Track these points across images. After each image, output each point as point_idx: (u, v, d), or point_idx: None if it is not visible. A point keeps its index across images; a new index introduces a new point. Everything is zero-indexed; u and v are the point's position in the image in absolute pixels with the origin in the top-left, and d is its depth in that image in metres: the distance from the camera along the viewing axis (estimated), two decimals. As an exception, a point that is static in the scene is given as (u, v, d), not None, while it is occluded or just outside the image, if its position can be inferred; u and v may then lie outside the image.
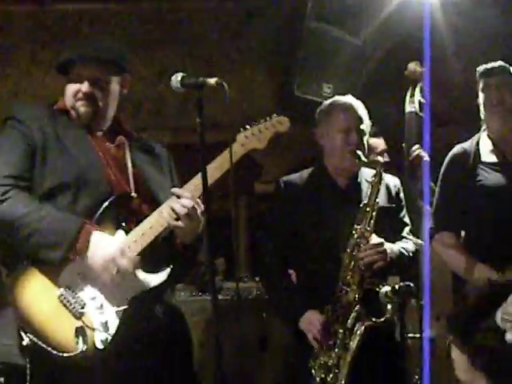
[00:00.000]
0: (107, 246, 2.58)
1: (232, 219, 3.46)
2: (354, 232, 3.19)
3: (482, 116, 3.43)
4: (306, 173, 3.47)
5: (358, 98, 3.47)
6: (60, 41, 5.14)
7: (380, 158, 3.32)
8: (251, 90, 5.15)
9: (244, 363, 3.91)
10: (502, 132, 3.39)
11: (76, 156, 2.71)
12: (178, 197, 2.62)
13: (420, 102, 3.95)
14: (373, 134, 3.93)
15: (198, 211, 2.59)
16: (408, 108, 3.99)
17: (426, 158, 3.82)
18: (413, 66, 3.96)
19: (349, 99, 3.43)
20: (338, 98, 3.48)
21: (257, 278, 4.17)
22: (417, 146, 3.90)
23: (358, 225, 3.19)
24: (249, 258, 4.92)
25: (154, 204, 2.73)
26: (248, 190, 4.90)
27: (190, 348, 2.90)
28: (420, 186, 3.78)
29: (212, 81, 2.47)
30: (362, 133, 3.34)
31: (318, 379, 3.19)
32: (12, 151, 2.69)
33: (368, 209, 3.20)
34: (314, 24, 4.91)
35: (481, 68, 3.40)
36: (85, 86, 2.78)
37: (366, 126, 3.39)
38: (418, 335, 3.40)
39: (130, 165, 2.83)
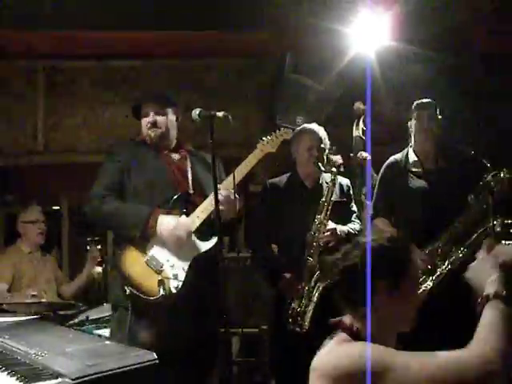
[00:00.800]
0: (170, 222, 2.75)
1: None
2: (315, 220, 3.22)
3: (412, 136, 3.41)
4: (284, 177, 3.51)
5: (320, 126, 3.50)
6: (116, 86, 5.12)
7: (334, 169, 3.32)
8: (247, 120, 5.14)
9: (242, 310, 3.90)
10: (425, 149, 3.40)
11: (150, 169, 2.91)
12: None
13: (363, 129, 3.97)
14: (334, 152, 3.95)
15: (232, 198, 2.74)
16: (355, 133, 4.00)
17: (369, 157, 3.83)
18: (358, 104, 3.98)
19: (313, 126, 3.48)
20: (305, 125, 3.55)
21: (250, 251, 4.14)
22: (362, 152, 3.89)
23: (319, 215, 3.23)
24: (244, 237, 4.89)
25: (204, 197, 2.84)
26: (244, 189, 4.89)
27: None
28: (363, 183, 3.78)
29: (220, 114, 2.53)
30: (321, 149, 3.40)
31: (290, 320, 3.23)
32: (109, 173, 2.93)
33: (325, 204, 3.25)
34: (290, 75, 4.89)
35: (417, 102, 3.40)
36: (150, 117, 2.94)
37: (325, 144, 3.43)
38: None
39: (189, 171, 2.95)
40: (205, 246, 2.79)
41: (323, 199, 3.26)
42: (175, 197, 2.83)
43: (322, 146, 3.42)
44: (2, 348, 2.16)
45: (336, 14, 4.13)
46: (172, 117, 3.04)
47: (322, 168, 3.33)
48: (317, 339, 3.36)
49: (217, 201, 2.47)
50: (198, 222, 2.79)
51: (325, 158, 3.43)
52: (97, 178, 2.94)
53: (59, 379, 1.73)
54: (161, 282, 2.66)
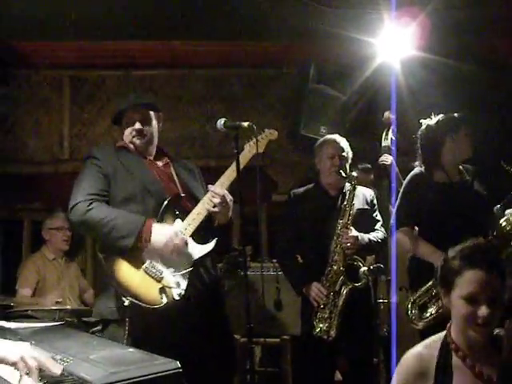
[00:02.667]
0: (165, 231, 2.61)
1: (258, 220, 3.50)
2: (338, 225, 3.23)
3: (447, 151, 3.34)
4: (309, 187, 3.55)
5: (343, 136, 3.50)
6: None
7: (354, 174, 3.31)
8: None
9: (264, 319, 3.88)
10: (454, 164, 3.35)
11: (138, 175, 2.74)
12: (213, 191, 2.68)
13: (392, 139, 3.91)
14: (365, 170, 3.93)
15: (227, 199, 2.66)
16: (383, 143, 3.95)
17: (391, 162, 3.79)
18: (387, 114, 3.91)
19: (335, 136, 3.50)
20: (327, 136, 3.58)
21: (273, 260, 4.13)
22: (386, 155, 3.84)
23: (341, 220, 3.24)
24: (268, 247, 4.88)
25: (195, 201, 2.76)
26: (267, 199, 4.87)
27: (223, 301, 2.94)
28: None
29: (245, 124, 2.52)
30: (343, 158, 3.41)
31: (317, 329, 3.20)
32: (92, 178, 2.72)
33: (347, 208, 3.26)
34: (314, 85, 4.91)
35: (445, 117, 3.34)
36: (137, 125, 2.83)
37: (347, 154, 3.43)
38: (386, 300, 3.38)
39: (175, 176, 2.86)
40: (203, 249, 2.70)
41: (345, 203, 3.28)
42: (167, 201, 2.69)
43: (344, 154, 3.44)
44: (27, 353, 2.17)
45: (361, 24, 4.13)
46: (155, 124, 2.93)
47: (344, 175, 3.33)
48: (340, 350, 3.39)
49: (243, 209, 2.48)
50: (193, 227, 2.68)
51: (347, 167, 3.44)
52: (78, 183, 2.74)
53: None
54: (162, 290, 2.55)
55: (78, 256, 5.02)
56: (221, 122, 2.60)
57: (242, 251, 2.61)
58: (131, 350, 2.22)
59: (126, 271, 2.59)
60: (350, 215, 3.26)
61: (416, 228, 3.44)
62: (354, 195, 3.30)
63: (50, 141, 5.07)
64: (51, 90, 5.09)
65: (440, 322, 3.09)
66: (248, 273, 2.66)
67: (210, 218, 2.75)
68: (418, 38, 4.19)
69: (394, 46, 4.21)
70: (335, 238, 3.24)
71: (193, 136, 5.11)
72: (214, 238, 2.72)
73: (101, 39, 4.73)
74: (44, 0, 4.02)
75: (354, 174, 3.33)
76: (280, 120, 5.21)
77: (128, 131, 2.86)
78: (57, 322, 3.30)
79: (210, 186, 2.73)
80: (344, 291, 3.20)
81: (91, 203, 2.61)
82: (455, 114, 3.37)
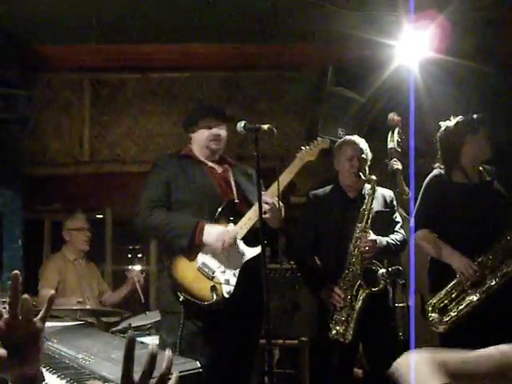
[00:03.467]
0: (216, 229, 2.80)
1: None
2: (356, 229, 3.21)
3: (465, 152, 3.35)
4: (328, 188, 3.51)
5: (362, 138, 3.49)
6: (158, 98, 5.20)
7: (374, 177, 3.30)
8: (289, 132, 5.15)
9: (282, 320, 3.89)
10: (473, 165, 3.35)
11: (197, 181, 2.93)
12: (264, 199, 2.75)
13: (397, 141, 3.91)
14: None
15: (277, 207, 2.78)
16: (390, 145, 3.95)
17: (400, 166, 3.79)
18: (392, 115, 3.91)
19: (354, 137, 3.49)
20: (347, 137, 3.56)
21: (291, 262, 4.14)
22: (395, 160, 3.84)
23: (360, 223, 3.22)
24: (285, 248, 4.88)
25: (249, 206, 2.89)
26: (286, 201, 4.88)
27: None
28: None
29: (265, 126, 2.56)
30: (362, 160, 3.39)
31: (334, 331, 3.19)
32: (154, 186, 2.97)
33: (366, 212, 3.24)
34: (332, 87, 4.90)
35: (466, 117, 3.34)
36: (215, 130, 3.03)
37: (366, 155, 3.42)
38: (402, 304, 3.37)
39: (232, 182, 3.00)
40: (252, 252, 2.84)
41: (363, 207, 3.25)
42: (222, 206, 2.88)
43: (363, 156, 3.42)
44: (51, 352, 2.21)
45: (379, 26, 4.12)
46: (225, 132, 3.12)
47: (363, 177, 3.33)
48: (357, 351, 3.39)
49: (261, 211, 2.51)
50: (244, 231, 2.84)
51: (366, 169, 3.43)
52: (143, 189, 3.00)
53: (111, 387, 1.76)
54: (213, 288, 2.74)
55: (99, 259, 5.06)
56: (241, 124, 2.64)
57: (263, 252, 2.64)
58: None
59: (181, 269, 2.83)
60: (368, 219, 3.23)
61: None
62: (373, 199, 3.27)
63: (71, 143, 5.12)
64: (72, 92, 5.13)
65: (460, 325, 3.09)
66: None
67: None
68: (437, 39, 4.17)
69: (412, 48, 4.18)
70: (353, 241, 3.22)
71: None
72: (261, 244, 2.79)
73: (121, 42, 4.79)
74: (65, 4, 4.07)
75: (374, 177, 3.30)
76: (297, 122, 5.22)
77: (205, 135, 3.03)
78: (77, 321, 3.33)
79: (262, 192, 2.79)
80: (361, 295, 3.19)
81: (152, 209, 2.88)
82: (474, 116, 3.36)
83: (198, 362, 1.95)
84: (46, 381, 1.33)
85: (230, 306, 2.75)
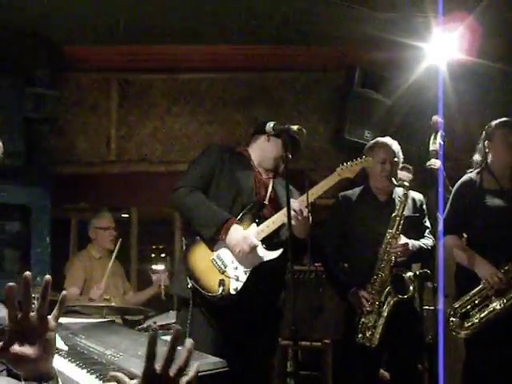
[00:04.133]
0: (238, 234, 2.78)
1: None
2: (387, 234, 3.16)
3: (490, 154, 3.30)
4: (357, 190, 3.47)
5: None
6: (185, 98, 5.21)
7: (406, 183, 3.24)
8: (315, 134, 5.13)
9: (306, 321, 3.88)
10: (503, 170, 3.30)
11: (238, 180, 2.94)
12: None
13: (440, 144, 3.83)
14: (406, 169, 3.86)
15: (305, 215, 2.71)
16: (431, 147, 3.85)
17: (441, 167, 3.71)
18: (435, 117, 3.82)
19: (386, 139, 3.41)
20: (379, 139, 3.46)
21: (316, 264, 4.11)
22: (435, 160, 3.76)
23: (391, 230, 3.17)
24: (311, 250, 4.86)
25: (277, 211, 2.86)
26: (310, 203, 4.85)
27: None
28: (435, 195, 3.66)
29: (295, 127, 2.55)
30: (394, 163, 3.32)
31: (360, 335, 3.17)
32: (201, 168, 2.98)
33: (397, 218, 3.18)
34: (359, 89, 4.89)
35: (499, 121, 3.28)
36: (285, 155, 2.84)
37: (398, 158, 3.36)
38: (431, 307, 3.33)
39: (270, 186, 2.98)
40: (270, 255, 2.81)
41: (395, 213, 3.20)
42: (249, 205, 2.88)
43: (396, 159, 3.37)
44: (79, 347, 2.23)
45: (407, 28, 4.09)
46: None
47: (395, 182, 3.28)
48: (382, 355, 3.36)
49: (289, 216, 2.50)
50: (265, 233, 2.82)
51: (398, 172, 3.39)
52: (190, 167, 3.02)
53: (134, 381, 1.76)
54: (221, 282, 2.72)
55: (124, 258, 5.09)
56: (270, 124, 2.64)
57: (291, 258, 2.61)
58: (179, 348, 2.26)
59: (196, 256, 2.85)
60: (399, 225, 3.18)
61: (464, 235, 3.41)
62: (405, 205, 3.21)
63: (98, 142, 5.15)
64: (99, 93, 5.17)
65: (483, 331, 3.06)
66: (289, 276, 2.73)
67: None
68: (466, 41, 4.13)
69: (441, 50, 4.15)
70: (383, 246, 3.18)
71: (237, 139, 5.11)
72: (282, 248, 2.80)
73: (148, 43, 4.82)
74: (93, 6, 4.12)
75: (406, 183, 3.23)
76: (324, 124, 5.20)
77: (281, 151, 2.87)
78: (103, 318, 3.36)
79: (291, 199, 2.75)
80: (390, 302, 3.15)
81: (191, 190, 2.88)
82: (502, 120, 3.31)
83: (225, 361, 1.95)
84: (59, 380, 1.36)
85: (237, 303, 2.73)
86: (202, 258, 2.83)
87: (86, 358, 2.07)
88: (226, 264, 2.79)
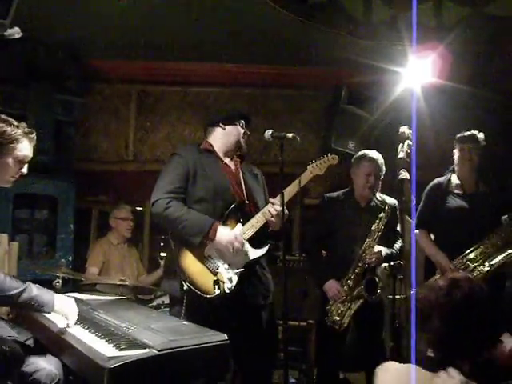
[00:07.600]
0: (227, 234, 2.62)
1: (291, 220, 3.46)
2: (366, 242, 3.16)
3: (455, 163, 3.34)
4: (341, 193, 3.45)
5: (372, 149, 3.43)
6: (194, 109, 5.19)
7: (387, 207, 3.23)
8: (306, 143, 5.13)
9: (294, 304, 3.87)
10: (467, 176, 3.35)
11: (213, 177, 2.71)
12: (272, 204, 2.66)
13: (407, 152, 3.83)
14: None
15: (279, 213, 2.64)
16: (399, 155, 3.86)
17: (408, 176, 3.73)
18: (404, 128, 3.83)
19: (373, 154, 3.35)
20: (366, 151, 3.39)
21: (303, 255, 4.12)
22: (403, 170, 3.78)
23: (369, 238, 3.16)
24: (299, 243, 4.85)
25: (256, 207, 2.75)
26: (301, 202, 4.86)
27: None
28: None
29: (290, 135, 2.52)
30: (378, 176, 3.30)
31: (331, 318, 3.21)
32: (174, 175, 2.69)
33: (377, 231, 3.16)
34: (345, 106, 4.89)
35: (460, 135, 3.32)
36: (247, 130, 2.89)
37: (382, 172, 3.32)
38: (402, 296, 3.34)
39: (242, 181, 2.81)
40: (256, 253, 2.69)
41: (375, 227, 3.18)
42: (232, 206, 2.69)
43: (380, 174, 3.34)
44: (98, 320, 2.23)
45: (387, 54, 4.11)
46: None
47: (378, 198, 3.27)
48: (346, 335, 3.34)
49: (283, 210, 2.48)
50: (251, 232, 2.68)
51: (379, 183, 3.36)
52: (161, 178, 2.70)
53: (147, 349, 1.77)
54: (216, 283, 2.55)
55: (139, 246, 5.09)
56: (268, 132, 2.61)
57: (277, 246, 2.60)
58: (185, 323, 2.26)
59: (189, 260, 2.63)
60: (377, 237, 3.17)
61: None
62: (386, 222, 3.18)
63: (118, 144, 5.15)
64: (120, 101, 5.17)
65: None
66: (281, 264, 2.68)
67: (266, 225, 2.72)
68: (437, 67, 4.14)
69: (415, 74, 4.15)
70: (361, 252, 3.17)
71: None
72: (267, 244, 2.71)
73: (164, 60, 4.84)
74: (117, 26, 4.11)
75: (387, 207, 3.19)
76: (314, 134, 5.20)
77: (241, 132, 2.85)
78: (119, 296, 3.35)
79: (270, 199, 2.71)
80: (360, 300, 3.19)
81: (170, 201, 2.60)
82: (464, 133, 3.34)
83: (225, 335, 1.95)
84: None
85: (229, 301, 2.57)
86: (194, 261, 2.62)
87: (104, 329, 2.08)
88: (217, 265, 2.62)
